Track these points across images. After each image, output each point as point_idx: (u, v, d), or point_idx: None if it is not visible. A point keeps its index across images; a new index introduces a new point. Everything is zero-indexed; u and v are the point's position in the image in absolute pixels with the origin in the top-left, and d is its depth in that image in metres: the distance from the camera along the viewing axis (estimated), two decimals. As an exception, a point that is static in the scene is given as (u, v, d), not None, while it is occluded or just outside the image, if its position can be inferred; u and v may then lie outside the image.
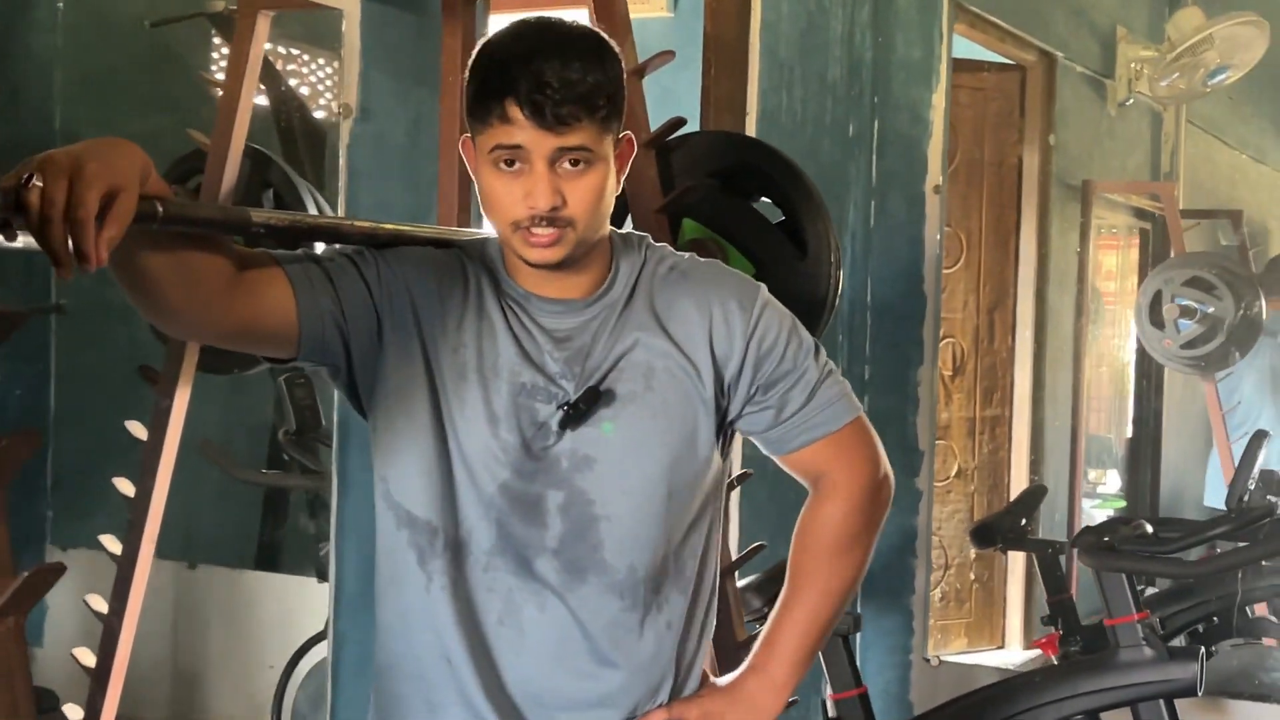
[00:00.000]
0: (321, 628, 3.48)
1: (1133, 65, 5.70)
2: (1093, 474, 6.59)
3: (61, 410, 4.26)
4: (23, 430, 1.47)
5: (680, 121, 2.53)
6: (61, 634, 3.79)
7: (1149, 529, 3.17)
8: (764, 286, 1.85)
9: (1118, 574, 3.12)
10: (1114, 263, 6.77)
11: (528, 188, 1.65)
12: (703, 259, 1.89)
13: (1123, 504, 6.41)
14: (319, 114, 3.93)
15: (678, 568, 1.80)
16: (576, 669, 1.76)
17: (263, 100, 3.99)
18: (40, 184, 1.31)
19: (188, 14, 4.07)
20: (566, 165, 1.65)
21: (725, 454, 1.88)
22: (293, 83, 4.07)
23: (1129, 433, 6.51)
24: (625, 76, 1.73)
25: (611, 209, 1.74)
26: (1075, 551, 3.21)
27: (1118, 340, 6.65)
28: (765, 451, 1.88)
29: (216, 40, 4.06)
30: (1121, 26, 5.73)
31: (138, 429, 2.79)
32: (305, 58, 4.11)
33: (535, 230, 1.66)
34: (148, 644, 4.01)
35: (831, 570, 1.86)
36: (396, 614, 1.80)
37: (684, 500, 1.79)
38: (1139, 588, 4.52)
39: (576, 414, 1.72)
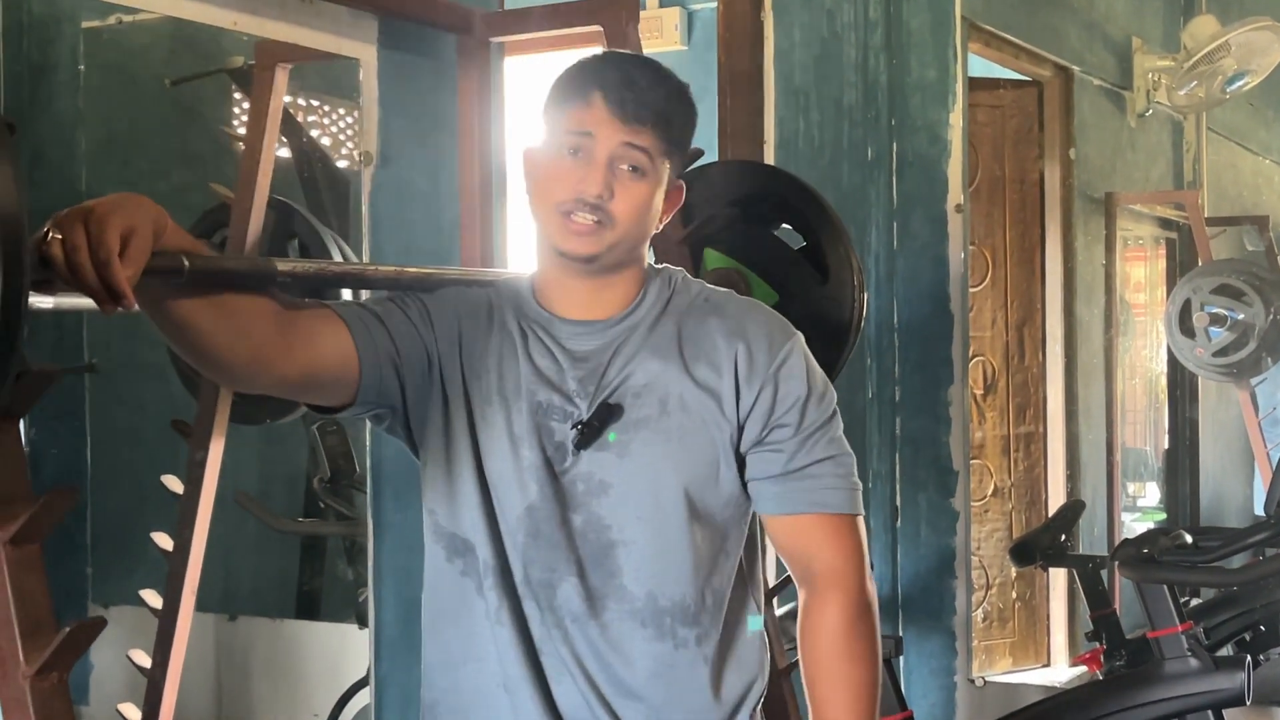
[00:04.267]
0: (364, 674, 3.49)
1: (1150, 75, 5.71)
2: (1132, 487, 6.56)
3: (98, 468, 4.29)
4: (60, 487, 1.49)
5: (699, 153, 2.53)
6: (108, 691, 3.80)
7: (1188, 539, 3.16)
8: (800, 335, 1.83)
9: (1159, 586, 3.11)
10: (1142, 274, 6.76)
11: (583, 174, 1.70)
12: (743, 296, 1.90)
13: (1163, 516, 6.38)
14: (341, 163, 3.96)
15: (711, 599, 1.78)
16: (610, 698, 1.75)
17: (285, 152, 4.03)
18: (59, 236, 1.36)
19: (208, 71, 4.11)
20: (624, 168, 1.71)
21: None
22: (315, 133, 4.11)
23: (1165, 444, 6.49)
24: (694, 128, 1.81)
25: (650, 232, 1.78)
26: (1118, 564, 3.19)
27: (1149, 351, 6.63)
28: (761, 511, 1.82)
29: (237, 95, 4.09)
30: (1137, 38, 5.73)
31: (174, 483, 2.81)
32: (325, 108, 4.15)
33: (576, 216, 1.71)
34: (192, 697, 4.03)
35: (854, 666, 1.78)
36: (450, 648, 1.80)
37: (709, 529, 1.77)
38: (1183, 599, 4.52)
39: (590, 431, 1.73)
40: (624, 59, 1.79)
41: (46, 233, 1.37)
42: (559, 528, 1.74)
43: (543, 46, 2.92)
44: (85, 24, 4.32)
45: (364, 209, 2.63)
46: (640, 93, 1.71)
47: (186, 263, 1.50)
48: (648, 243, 1.80)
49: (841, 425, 1.83)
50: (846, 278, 2.55)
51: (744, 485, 1.80)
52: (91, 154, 4.25)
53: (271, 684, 4.11)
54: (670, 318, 1.79)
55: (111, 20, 4.36)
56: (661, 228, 1.81)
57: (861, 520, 1.82)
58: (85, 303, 1.42)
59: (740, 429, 1.77)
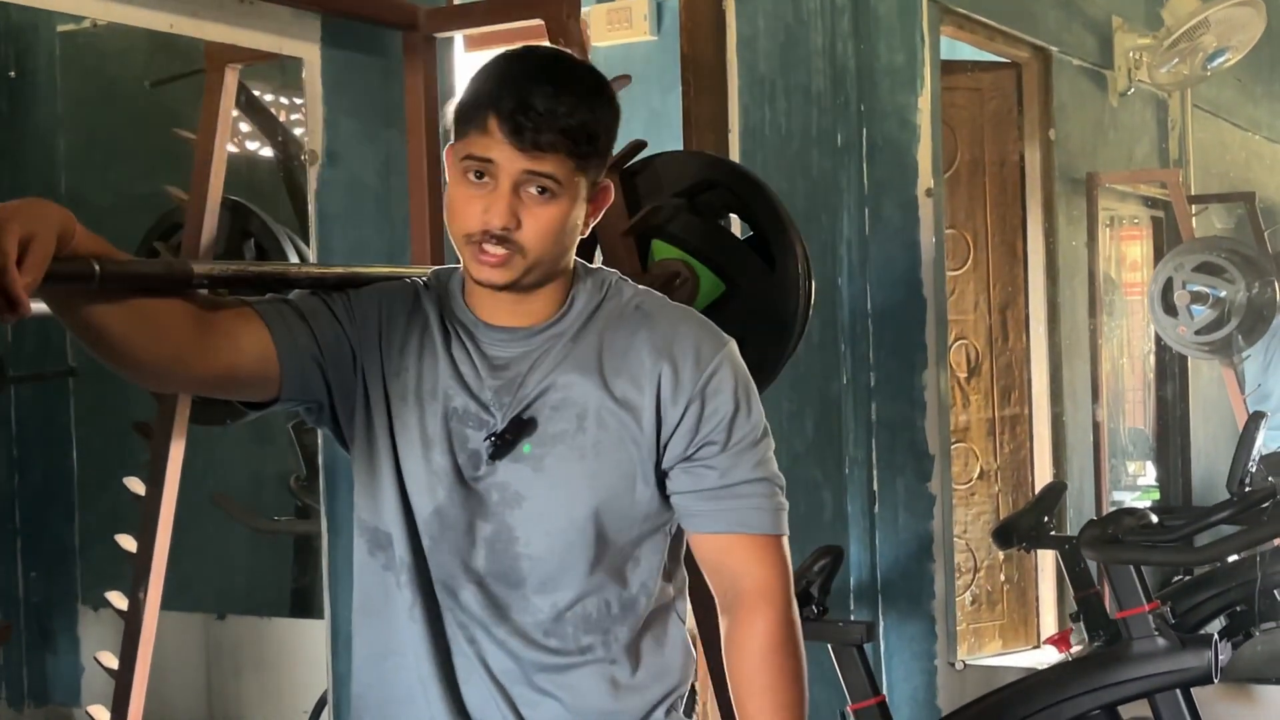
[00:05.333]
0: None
1: (1131, 54, 5.69)
2: (1132, 466, 6.55)
3: (85, 471, 4.31)
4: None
5: (641, 145, 2.55)
6: (98, 693, 3.82)
7: (1153, 519, 3.16)
8: (733, 343, 1.79)
9: (1125, 566, 3.11)
10: (1138, 253, 6.73)
11: (488, 203, 1.65)
12: (676, 304, 1.85)
13: (1158, 494, 6.37)
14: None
15: (622, 606, 1.77)
16: (516, 700, 1.75)
17: (268, 151, 4.04)
18: None
19: (187, 72, 4.11)
20: (532, 191, 1.65)
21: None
22: (297, 131, 4.11)
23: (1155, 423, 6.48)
24: (617, 125, 1.74)
25: (572, 246, 1.73)
26: (1082, 545, 3.19)
27: (1142, 330, 6.61)
28: (687, 529, 1.79)
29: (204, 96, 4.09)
30: (1116, 16, 5.71)
31: (136, 485, 2.83)
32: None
33: (486, 247, 1.66)
34: (182, 696, 4.05)
35: (783, 682, 1.75)
36: (374, 642, 1.82)
37: (620, 544, 1.76)
38: (1175, 578, 4.51)
39: (504, 444, 1.72)
40: (523, 71, 1.67)
41: None
42: (464, 535, 1.74)
43: (496, 41, 2.92)
44: (61, 28, 4.33)
45: (310, 208, 2.64)
46: (538, 117, 1.62)
47: (97, 267, 1.50)
48: (572, 252, 1.76)
49: (772, 446, 1.80)
50: (792, 267, 2.54)
51: (664, 499, 1.77)
52: (71, 159, 4.26)
53: (261, 682, 4.12)
54: (595, 327, 1.76)
55: (86, 24, 4.37)
56: (589, 231, 1.76)
57: (786, 541, 1.80)
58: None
59: (663, 446, 1.74)
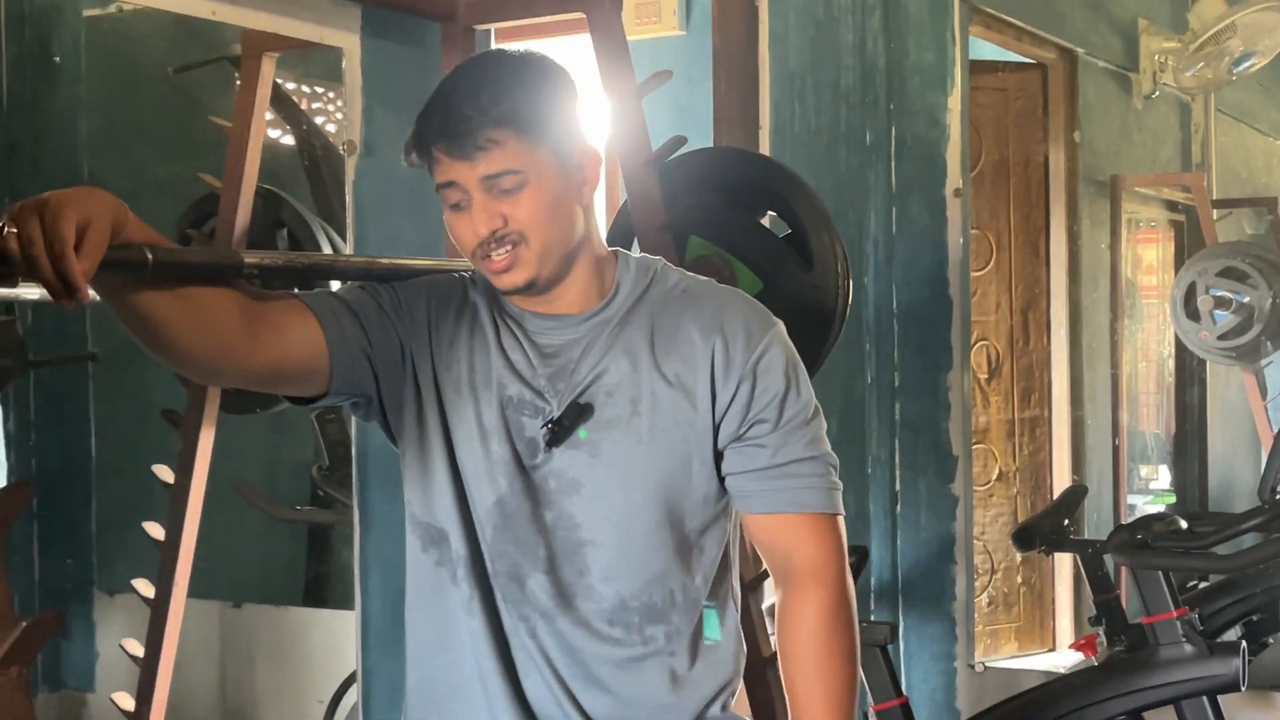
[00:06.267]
0: (365, 662, 3.50)
1: (1156, 57, 5.67)
2: (1145, 470, 6.54)
3: (102, 457, 4.30)
4: (13, 484, 1.49)
5: (681, 140, 2.53)
6: (113, 679, 3.82)
7: (1183, 525, 3.14)
8: (781, 324, 1.81)
9: (1154, 571, 3.09)
10: (1155, 256, 6.72)
11: (471, 218, 1.67)
12: (723, 285, 1.86)
13: (1174, 499, 6.35)
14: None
15: (687, 599, 1.77)
16: (576, 693, 1.74)
17: (289, 140, 4.03)
18: (14, 230, 1.35)
19: (209, 59, 4.11)
20: (500, 189, 1.66)
21: None
22: (319, 120, 4.11)
23: (1174, 427, 6.46)
24: (570, 93, 1.72)
25: (577, 222, 1.72)
26: (1112, 550, 3.18)
27: (1157, 334, 6.60)
28: (741, 509, 1.80)
29: (239, 84, 4.09)
30: (1143, 19, 5.69)
31: (165, 473, 2.82)
32: (330, 95, 4.15)
33: (493, 256, 1.68)
34: (198, 684, 4.05)
35: (834, 661, 1.77)
36: (427, 636, 1.81)
37: (682, 529, 1.76)
38: (1191, 584, 4.50)
39: (561, 430, 1.72)
40: (441, 89, 1.69)
41: (1, 227, 1.36)
42: (528, 522, 1.73)
43: (531, 33, 2.91)
44: (87, 12, 4.33)
45: (348, 198, 2.63)
46: (465, 121, 1.63)
47: (150, 255, 1.50)
48: (588, 230, 1.75)
49: (824, 425, 1.81)
50: (831, 265, 2.53)
51: (721, 482, 1.78)
52: (93, 142, 4.26)
53: (276, 671, 4.12)
54: (644, 311, 1.77)
55: (112, 9, 4.36)
56: (591, 197, 1.75)
57: (842, 520, 1.80)
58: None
59: (717, 426, 1.75)
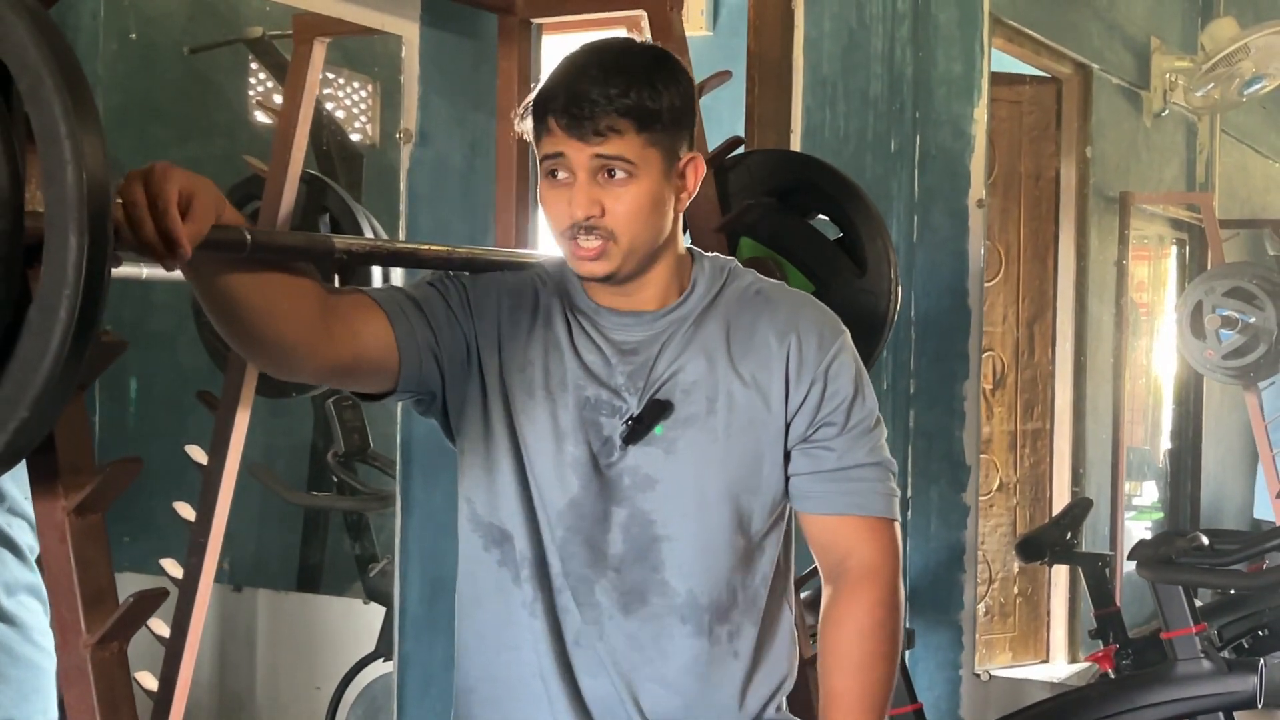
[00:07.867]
0: (372, 649, 3.48)
1: (1168, 76, 5.71)
2: (1128, 486, 6.58)
3: (106, 435, 4.26)
4: (125, 458, 1.49)
5: (739, 141, 2.55)
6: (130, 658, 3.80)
7: (1205, 541, 3.17)
8: (848, 333, 1.83)
9: (1175, 587, 3.12)
10: (1145, 273, 6.76)
11: (570, 195, 1.67)
12: (794, 289, 1.88)
13: (1159, 515, 6.39)
14: (355, 137, 3.94)
15: (746, 598, 1.78)
16: (641, 694, 1.75)
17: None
18: (119, 200, 1.35)
19: (226, 40, 4.09)
20: (607, 175, 1.66)
21: None
22: (329, 106, 4.09)
23: (1166, 444, 6.50)
24: (690, 97, 1.73)
25: (667, 225, 1.73)
26: (1135, 565, 3.20)
27: (1152, 351, 6.64)
28: (801, 510, 1.82)
29: (254, 66, 4.07)
30: (1155, 38, 5.73)
31: (198, 453, 2.80)
32: (340, 80, 4.13)
33: (580, 242, 1.68)
34: (197, 667, 4.02)
35: (875, 661, 1.78)
36: (485, 635, 1.81)
37: (750, 528, 1.78)
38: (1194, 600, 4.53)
39: (639, 427, 1.73)
40: (573, 65, 1.69)
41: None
42: (600, 522, 1.74)
43: (584, 27, 2.91)
44: (104, -11, 4.30)
45: (401, 186, 2.62)
46: (592, 105, 1.64)
47: (249, 236, 1.50)
48: (674, 230, 1.76)
49: (885, 434, 1.83)
50: (884, 271, 2.54)
51: (785, 483, 1.80)
52: (109, 121, 4.23)
53: (276, 656, 4.10)
54: (719, 311, 1.78)
55: (129, -14, 4.34)
56: (687, 203, 1.76)
57: (899, 527, 1.83)
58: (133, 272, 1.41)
59: (787, 426, 1.77)
